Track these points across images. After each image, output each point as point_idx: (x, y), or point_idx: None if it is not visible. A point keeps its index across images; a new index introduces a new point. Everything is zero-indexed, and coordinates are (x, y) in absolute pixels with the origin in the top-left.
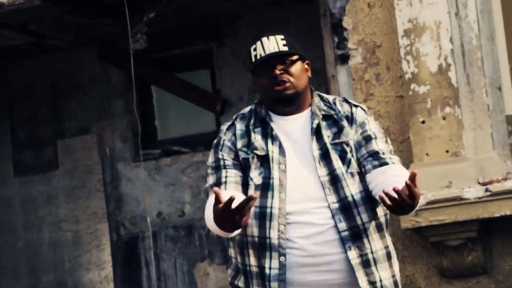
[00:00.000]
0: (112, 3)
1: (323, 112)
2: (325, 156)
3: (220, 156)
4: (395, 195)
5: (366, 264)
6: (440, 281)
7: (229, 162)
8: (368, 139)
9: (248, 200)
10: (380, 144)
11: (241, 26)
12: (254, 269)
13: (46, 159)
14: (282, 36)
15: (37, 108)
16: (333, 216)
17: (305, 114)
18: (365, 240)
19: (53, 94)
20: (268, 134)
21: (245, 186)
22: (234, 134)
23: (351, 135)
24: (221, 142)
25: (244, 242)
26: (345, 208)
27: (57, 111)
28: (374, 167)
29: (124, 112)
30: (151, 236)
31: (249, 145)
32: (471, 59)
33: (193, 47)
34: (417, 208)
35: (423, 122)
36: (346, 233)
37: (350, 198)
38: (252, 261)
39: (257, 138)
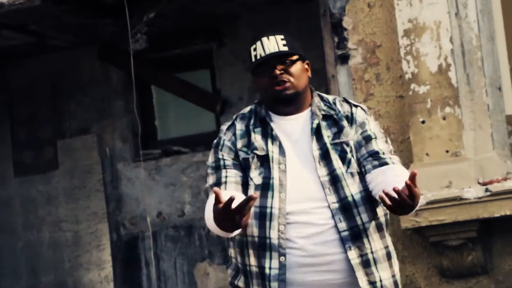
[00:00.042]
0: (112, 3)
1: (323, 112)
2: (325, 156)
3: (220, 156)
4: (395, 195)
5: (366, 264)
6: (440, 281)
7: (229, 162)
8: (368, 139)
9: (248, 200)
10: (380, 144)
11: (241, 26)
12: (254, 269)
13: (46, 159)
14: (282, 36)
15: (37, 108)
16: (333, 216)
17: (305, 114)
18: (365, 240)
19: (53, 94)
20: (268, 134)
21: (245, 186)
22: (234, 134)
23: (351, 135)
24: (221, 142)
25: (244, 242)
26: (345, 208)
27: (57, 111)
28: (374, 167)
29: (124, 112)
30: (151, 236)
31: (249, 145)
32: (471, 59)
33: (193, 47)
34: (417, 208)
35: (423, 122)
36: (346, 233)
37: (350, 198)
38: (252, 261)
39: (257, 138)
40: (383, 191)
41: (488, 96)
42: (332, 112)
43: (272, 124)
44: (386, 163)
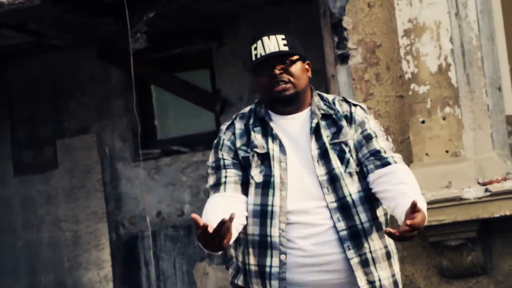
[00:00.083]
0: (112, 3)
1: (322, 112)
2: (323, 156)
3: (220, 156)
4: (404, 228)
5: (364, 263)
6: (439, 281)
7: (228, 161)
8: (368, 138)
9: (222, 223)
10: (381, 142)
11: (241, 26)
12: (254, 268)
13: (46, 159)
14: (283, 36)
15: (37, 108)
16: (331, 216)
17: (304, 114)
18: (364, 240)
19: (53, 94)
20: (268, 133)
21: (244, 185)
22: (234, 133)
23: (349, 134)
24: (221, 142)
25: (244, 241)
26: (344, 207)
27: (56, 110)
28: (377, 167)
29: (123, 112)
30: (150, 236)
31: (249, 144)
32: (471, 59)
33: (193, 46)
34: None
35: (423, 122)
36: (344, 232)
37: (348, 198)
38: (252, 260)
39: (257, 137)
40: (386, 231)
41: (488, 96)
42: (331, 111)
43: (271, 124)
44: (388, 163)
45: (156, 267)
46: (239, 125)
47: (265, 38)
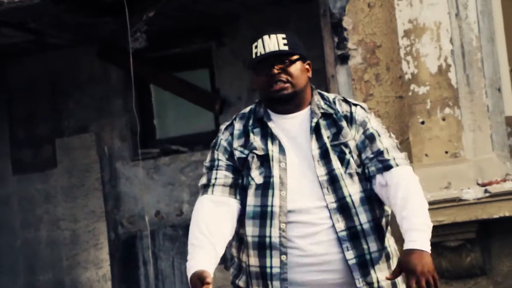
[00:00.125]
0: (111, 2)
1: (322, 111)
2: (324, 156)
3: (215, 157)
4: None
5: (363, 264)
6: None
7: (222, 163)
8: (371, 138)
9: (202, 284)
10: (384, 141)
11: (241, 26)
12: (254, 269)
13: (45, 158)
14: (284, 35)
15: (36, 106)
16: (331, 216)
17: (304, 113)
18: (363, 241)
19: (52, 93)
20: (267, 133)
21: (234, 187)
22: (232, 134)
23: (350, 135)
24: (218, 142)
25: (245, 242)
26: (343, 208)
27: (56, 109)
28: (378, 170)
29: (123, 111)
30: (149, 235)
31: (247, 145)
32: (471, 60)
33: (192, 46)
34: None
35: (422, 122)
36: (343, 233)
37: (348, 199)
38: (253, 261)
39: (256, 139)
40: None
41: (487, 97)
42: (331, 111)
43: (270, 124)
44: (390, 166)
45: (154, 267)
46: (238, 126)
47: (265, 37)
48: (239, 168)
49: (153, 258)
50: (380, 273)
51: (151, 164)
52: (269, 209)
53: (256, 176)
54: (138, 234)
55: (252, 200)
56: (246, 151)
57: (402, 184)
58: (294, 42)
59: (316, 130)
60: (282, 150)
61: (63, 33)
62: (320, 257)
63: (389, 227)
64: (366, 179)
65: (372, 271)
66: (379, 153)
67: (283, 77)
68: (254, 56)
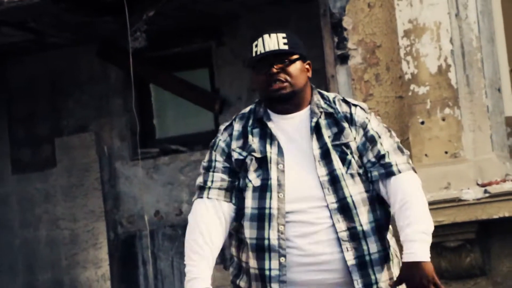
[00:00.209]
0: (111, 1)
1: (322, 110)
2: (325, 156)
3: (213, 157)
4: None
5: (362, 265)
6: None
7: (219, 164)
8: (372, 140)
9: None
10: (385, 143)
11: (240, 26)
12: (253, 271)
13: (44, 157)
14: (284, 35)
15: (36, 106)
16: (331, 216)
17: (304, 113)
18: (363, 242)
19: (52, 92)
20: (266, 134)
21: (230, 190)
22: (230, 135)
23: (351, 136)
24: (216, 142)
25: (244, 244)
26: (344, 208)
27: (55, 108)
28: (381, 175)
29: (122, 111)
30: (148, 235)
31: (245, 147)
32: (471, 60)
33: (192, 45)
34: None
35: (422, 123)
36: (343, 233)
37: (349, 199)
38: (252, 263)
39: (254, 140)
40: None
41: (487, 98)
42: (331, 110)
43: (270, 124)
44: (392, 173)
45: (154, 266)
46: (237, 127)
47: (266, 36)
48: (236, 170)
49: (153, 257)
50: (379, 274)
51: (150, 163)
52: (267, 211)
53: (254, 179)
54: (137, 233)
55: (250, 202)
56: (244, 153)
57: (402, 193)
58: (294, 41)
59: (316, 130)
60: (280, 151)
61: (63, 32)
62: (319, 257)
63: (390, 227)
64: (368, 180)
65: (371, 273)
66: (381, 157)
67: (282, 76)
68: (254, 54)
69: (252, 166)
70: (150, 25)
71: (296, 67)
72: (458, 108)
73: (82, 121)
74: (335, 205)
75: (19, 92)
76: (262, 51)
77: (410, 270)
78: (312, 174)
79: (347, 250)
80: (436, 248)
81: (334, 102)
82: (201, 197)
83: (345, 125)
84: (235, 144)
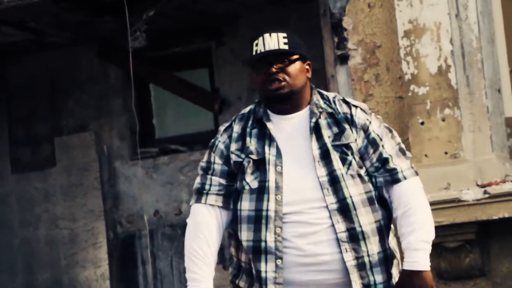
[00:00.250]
0: (111, 1)
1: (321, 110)
2: (325, 156)
3: (212, 159)
4: None
5: (361, 266)
6: (437, 283)
7: (218, 167)
8: (374, 143)
9: None
10: (387, 145)
11: (240, 26)
12: (253, 271)
13: (44, 156)
14: (285, 34)
15: (35, 105)
16: (330, 217)
17: (303, 113)
18: (362, 243)
19: (52, 91)
20: (265, 135)
21: (228, 195)
22: (230, 137)
23: (352, 137)
24: (216, 144)
25: (241, 246)
26: (344, 209)
27: (55, 108)
28: (386, 182)
29: (122, 110)
30: (147, 235)
31: (243, 149)
32: (471, 60)
33: (192, 45)
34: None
35: (422, 123)
36: (343, 234)
37: (349, 200)
38: (250, 264)
39: (252, 142)
40: None
41: (487, 98)
42: (330, 110)
43: (269, 124)
44: (398, 180)
45: (153, 266)
46: (236, 128)
47: (266, 35)
48: (234, 172)
49: (152, 257)
50: (378, 275)
51: (150, 163)
52: (264, 213)
53: (251, 181)
54: (136, 233)
55: (246, 204)
56: (243, 155)
57: (405, 199)
58: (295, 41)
59: (316, 130)
60: (279, 153)
61: (63, 32)
62: (318, 257)
63: (391, 227)
64: (368, 181)
65: (370, 274)
66: (385, 161)
67: (281, 76)
68: (254, 53)
69: (250, 168)
70: (150, 24)
71: (295, 67)
72: (458, 109)
73: (81, 121)
74: (334, 206)
75: (18, 92)
76: (262, 50)
77: (411, 278)
78: (311, 175)
79: (346, 251)
80: (435, 248)
81: (334, 102)
82: (200, 202)
83: (346, 126)
84: (234, 146)
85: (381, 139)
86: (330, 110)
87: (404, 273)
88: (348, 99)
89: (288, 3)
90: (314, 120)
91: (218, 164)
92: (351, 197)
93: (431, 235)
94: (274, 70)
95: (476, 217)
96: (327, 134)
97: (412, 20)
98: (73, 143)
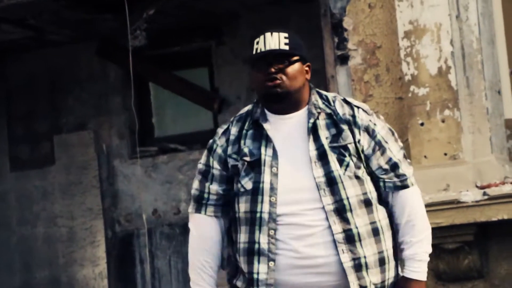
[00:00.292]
0: None
1: (319, 110)
2: (322, 157)
3: (210, 163)
4: None
5: (358, 268)
6: (435, 284)
7: (216, 172)
8: (380, 145)
9: None
10: (394, 149)
11: (240, 25)
12: (246, 275)
13: (43, 154)
14: (286, 35)
15: (35, 103)
16: (327, 218)
17: (301, 113)
18: (358, 244)
19: (51, 90)
20: (262, 136)
21: (226, 201)
22: (227, 140)
23: (350, 138)
24: (214, 148)
25: (237, 248)
26: (340, 210)
27: (54, 106)
28: (396, 187)
29: (121, 109)
30: (146, 234)
31: (239, 152)
32: (471, 62)
33: (192, 44)
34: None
35: (422, 124)
36: (339, 236)
37: (345, 201)
38: (243, 266)
39: (247, 143)
40: None
41: (487, 100)
42: (329, 110)
43: (266, 125)
44: (406, 186)
45: (151, 265)
46: (233, 131)
47: (267, 34)
48: (233, 176)
49: (150, 256)
50: (373, 277)
51: (149, 162)
52: (258, 215)
53: (246, 182)
54: (135, 232)
55: (242, 206)
56: (238, 158)
57: (409, 208)
58: (295, 42)
59: (313, 131)
60: (275, 154)
61: (63, 30)
62: (315, 259)
63: (388, 228)
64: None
65: (365, 275)
66: (394, 165)
67: (279, 76)
68: (254, 52)
69: (245, 170)
70: (150, 23)
71: (294, 69)
72: (457, 110)
73: (81, 119)
74: (331, 207)
75: (18, 89)
76: (263, 49)
77: (412, 287)
78: (308, 176)
79: (343, 252)
80: (434, 250)
81: (333, 102)
82: (199, 213)
83: (344, 127)
84: (231, 150)
85: (386, 142)
86: (328, 110)
87: (405, 281)
88: (349, 99)
89: (288, 3)
90: (312, 120)
91: (216, 169)
92: (348, 198)
93: (429, 245)
94: (273, 70)
95: (475, 219)
96: (324, 135)
97: (412, 21)
98: (72, 142)
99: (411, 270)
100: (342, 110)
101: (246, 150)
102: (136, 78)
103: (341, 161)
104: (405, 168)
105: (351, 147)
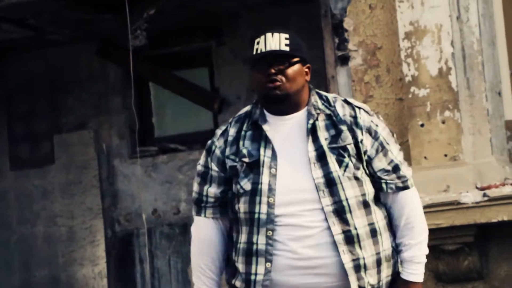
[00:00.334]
0: None
1: (319, 111)
2: (321, 158)
3: (209, 165)
4: None
5: (357, 269)
6: (435, 285)
7: (215, 174)
8: (383, 146)
9: None
10: (394, 151)
11: (241, 25)
12: (243, 275)
13: (43, 154)
14: (287, 35)
15: (35, 103)
16: (326, 219)
17: (301, 114)
18: (357, 245)
19: (51, 89)
20: (261, 137)
21: (226, 202)
22: (226, 141)
23: (349, 139)
24: (213, 149)
25: (236, 249)
26: (339, 211)
27: (54, 106)
28: (398, 189)
29: (121, 109)
30: (146, 233)
31: (237, 153)
32: (472, 63)
33: (192, 44)
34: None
35: (422, 125)
36: (339, 236)
37: (344, 202)
38: (241, 267)
39: (246, 144)
40: None
41: (487, 101)
42: (328, 111)
43: (265, 126)
44: (407, 188)
45: (151, 265)
46: (232, 132)
47: (268, 34)
48: (231, 177)
49: (150, 256)
50: (370, 277)
51: (149, 162)
52: (256, 216)
53: (244, 184)
54: (134, 232)
55: (242, 207)
56: (237, 159)
57: (409, 209)
58: (296, 43)
59: (312, 132)
60: (274, 154)
61: (63, 29)
62: (314, 260)
63: (386, 229)
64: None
65: (364, 276)
66: (396, 167)
67: (279, 77)
68: (254, 52)
69: (243, 171)
70: (151, 23)
71: (294, 70)
72: (458, 111)
73: (81, 119)
74: (330, 208)
75: (18, 89)
76: (263, 49)
77: None
78: (307, 177)
79: (344, 253)
80: (434, 251)
81: (334, 103)
82: (200, 215)
83: (344, 128)
84: (229, 151)
85: (387, 143)
86: (328, 111)
87: (403, 283)
88: (350, 100)
89: (288, 3)
90: (311, 121)
91: (215, 171)
92: (347, 199)
93: (426, 248)
94: (273, 71)
95: (475, 220)
96: (323, 136)
97: (413, 21)
98: (72, 141)
99: (409, 273)
100: (343, 111)
101: (245, 151)
102: (136, 78)
103: (340, 162)
104: (406, 170)
105: (350, 148)
